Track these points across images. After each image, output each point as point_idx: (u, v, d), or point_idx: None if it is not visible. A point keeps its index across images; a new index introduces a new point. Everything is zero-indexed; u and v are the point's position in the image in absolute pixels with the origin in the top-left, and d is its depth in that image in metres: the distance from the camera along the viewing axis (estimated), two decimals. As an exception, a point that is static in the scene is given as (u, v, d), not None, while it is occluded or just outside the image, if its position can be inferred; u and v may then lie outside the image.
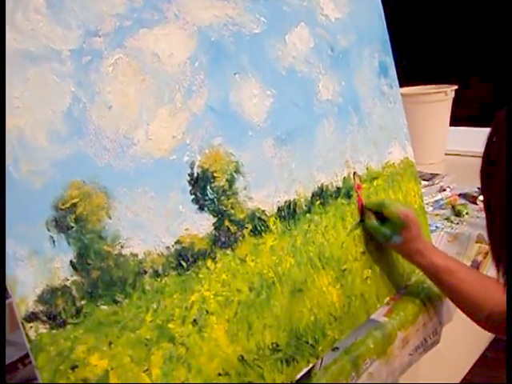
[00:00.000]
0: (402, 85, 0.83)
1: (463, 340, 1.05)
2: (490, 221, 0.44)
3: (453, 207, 1.06)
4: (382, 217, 0.67)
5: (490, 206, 0.44)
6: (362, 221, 0.68)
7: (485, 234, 0.88)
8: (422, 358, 0.78)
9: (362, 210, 0.68)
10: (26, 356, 0.61)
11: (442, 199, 1.11)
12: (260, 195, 0.54)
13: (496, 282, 0.62)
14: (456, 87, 1.41)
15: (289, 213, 0.57)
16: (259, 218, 0.54)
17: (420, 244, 0.65)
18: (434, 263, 0.64)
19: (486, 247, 0.86)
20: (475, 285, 0.63)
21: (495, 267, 0.44)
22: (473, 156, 1.53)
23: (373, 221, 0.67)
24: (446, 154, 1.55)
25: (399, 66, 0.82)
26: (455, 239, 0.89)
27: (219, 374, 0.48)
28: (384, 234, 0.66)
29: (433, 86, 1.48)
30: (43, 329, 0.37)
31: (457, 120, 1.68)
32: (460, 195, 1.14)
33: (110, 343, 0.40)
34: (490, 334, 1.18)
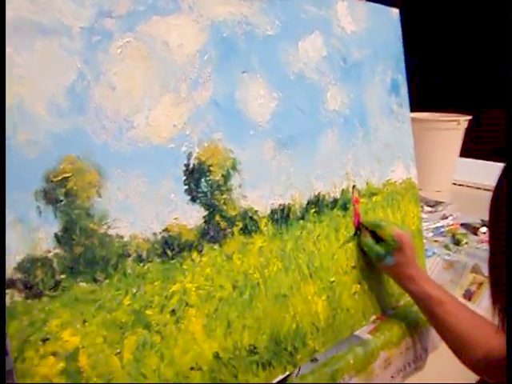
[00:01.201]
0: (419, 109, 0.83)
1: (448, 375, 1.03)
2: (491, 257, 0.43)
3: (453, 235, 1.05)
4: (378, 236, 0.67)
5: (493, 234, 0.43)
6: (356, 235, 0.68)
7: (481, 265, 0.86)
8: None
9: (358, 225, 0.68)
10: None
11: (443, 226, 1.10)
12: (254, 195, 0.54)
13: (488, 323, 0.61)
14: (470, 117, 1.40)
15: (282, 216, 0.57)
16: (251, 218, 0.54)
17: (413, 270, 0.64)
18: (425, 292, 0.63)
19: (480, 278, 0.84)
20: (464, 321, 0.61)
21: (492, 305, 0.43)
22: (481, 189, 1.52)
23: (368, 238, 0.67)
24: (453, 184, 1.54)
25: (419, 90, 0.82)
26: (451, 266, 0.87)
27: (192, 368, 0.47)
28: (377, 254, 0.65)
29: (446, 113, 1.47)
30: (18, 297, 0.37)
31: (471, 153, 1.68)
32: (462, 225, 1.13)
33: (85, 321, 0.40)
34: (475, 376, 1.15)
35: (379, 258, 0.66)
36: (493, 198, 0.42)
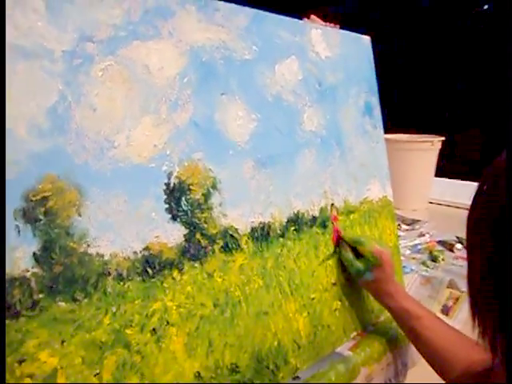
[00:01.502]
0: (394, 131, 0.87)
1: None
2: (470, 270, 0.44)
3: (430, 252, 1.07)
4: (358, 252, 0.68)
5: (471, 251, 0.44)
6: (335, 252, 0.69)
7: (457, 280, 0.89)
8: None
9: (337, 242, 0.69)
10: None
11: (420, 244, 1.13)
12: (235, 213, 0.55)
13: (466, 338, 0.62)
14: (443, 138, 1.46)
15: (262, 234, 0.58)
16: (231, 236, 0.55)
17: (391, 286, 0.66)
18: (403, 307, 0.64)
19: (456, 293, 0.86)
20: (441, 335, 0.62)
21: (471, 317, 0.44)
22: (456, 207, 1.56)
23: (349, 254, 0.68)
24: (430, 202, 1.58)
25: (391, 113, 0.85)
26: (428, 282, 0.89)
27: (172, 388, 0.47)
28: (357, 269, 0.67)
29: (420, 135, 1.53)
30: (-5, 317, 0.36)
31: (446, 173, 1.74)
32: (438, 242, 1.16)
33: (63, 341, 0.40)
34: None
35: (359, 274, 0.67)
36: (469, 217, 0.43)
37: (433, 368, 0.64)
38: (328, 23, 0.77)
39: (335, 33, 0.76)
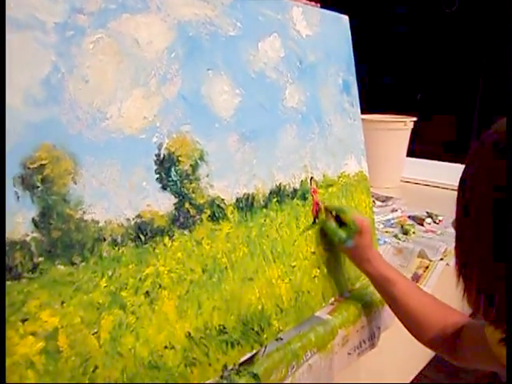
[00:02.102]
0: (368, 111, 0.90)
1: (401, 356, 1.11)
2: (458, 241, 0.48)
3: (402, 226, 1.13)
4: (339, 221, 0.72)
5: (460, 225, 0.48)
6: (314, 223, 0.73)
7: (427, 251, 0.94)
8: (360, 370, 0.82)
9: (316, 213, 0.73)
10: None
11: (392, 218, 1.19)
12: (221, 184, 0.58)
13: (440, 302, 0.67)
14: (415, 119, 1.51)
15: (246, 205, 0.61)
16: (218, 206, 0.57)
17: (370, 253, 0.70)
18: (379, 272, 0.69)
19: (426, 262, 0.93)
20: (415, 299, 0.68)
21: (457, 278, 0.48)
22: (426, 185, 1.64)
23: (332, 222, 0.72)
24: (401, 181, 1.65)
25: (367, 93, 0.89)
26: (400, 252, 0.95)
27: (165, 347, 0.49)
28: (340, 237, 0.71)
29: (394, 115, 1.58)
30: (-2, 279, 0.38)
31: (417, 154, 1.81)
32: (409, 217, 1.22)
33: (63, 302, 0.42)
34: (428, 354, 1.24)
35: (341, 241, 0.71)
36: (457, 211, 0.47)
37: (409, 331, 0.69)
38: (308, 1, 0.79)
39: (315, 11, 0.78)
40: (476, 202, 0.44)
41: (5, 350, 0.37)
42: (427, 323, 0.67)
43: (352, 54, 0.86)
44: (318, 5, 0.81)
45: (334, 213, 0.73)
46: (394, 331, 0.82)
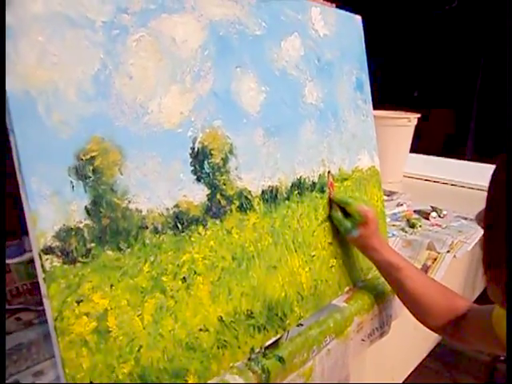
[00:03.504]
0: (374, 108, 0.93)
1: (406, 345, 1.15)
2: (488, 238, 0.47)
3: (408, 220, 1.17)
4: (346, 211, 0.75)
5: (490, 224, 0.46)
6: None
7: (435, 243, 0.98)
8: (368, 357, 0.86)
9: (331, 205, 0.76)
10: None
11: (398, 212, 1.22)
12: (248, 177, 0.61)
13: (446, 288, 0.70)
14: (419, 115, 1.55)
15: (271, 197, 0.64)
16: (246, 197, 0.60)
17: (375, 241, 0.73)
18: (386, 259, 0.72)
19: (434, 254, 0.96)
20: (420, 284, 0.70)
21: (484, 273, 0.48)
22: (427, 180, 1.67)
23: (338, 213, 0.75)
24: (404, 176, 1.69)
25: (374, 92, 0.92)
26: (409, 245, 0.98)
27: (200, 329, 0.52)
28: (345, 227, 0.74)
29: (399, 112, 1.61)
30: (57, 262, 0.41)
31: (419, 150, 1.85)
32: (415, 211, 1.26)
33: (112, 285, 0.45)
34: (429, 343, 1.29)
35: (346, 231, 0.74)
36: (487, 205, 0.46)
37: (414, 315, 0.72)
38: (325, 1, 0.81)
39: (331, 12, 0.81)
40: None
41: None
42: (432, 307, 0.70)
43: (364, 52, 0.89)
44: (334, 5, 0.84)
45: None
46: (397, 323, 0.85)
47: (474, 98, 3.55)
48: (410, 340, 1.11)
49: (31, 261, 0.78)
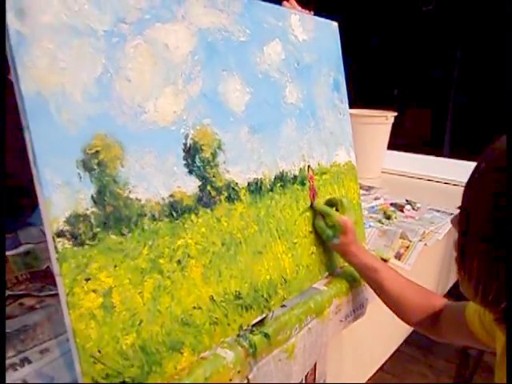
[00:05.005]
0: (351, 106, 1.00)
1: (384, 332, 1.22)
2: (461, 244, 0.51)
3: (384, 212, 1.24)
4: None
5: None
6: (311, 206, 0.82)
7: (408, 233, 1.05)
8: (346, 344, 0.93)
9: (313, 196, 0.83)
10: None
11: (376, 206, 1.30)
12: (235, 170, 0.67)
13: (420, 287, 0.76)
14: (396, 114, 1.63)
15: (256, 188, 0.70)
16: (233, 189, 0.66)
17: (353, 247, 0.80)
18: (364, 263, 0.79)
19: (407, 242, 1.04)
20: (397, 284, 0.77)
21: (458, 269, 0.52)
22: (403, 175, 1.76)
23: (321, 222, 0.81)
24: (382, 172, 1.77)
25: (351, 91, 0.99)
26: (384, 234, 1.06)
27: (194, 307, 0.58)
28: (327, 235, 0.81)
29: (376, 110, 1.70)
30: (68, 245, 0.46)
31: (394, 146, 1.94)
32: (391, 204, 1.34)
33: (115, 266, 0.50)
34: (405, 330, 1.36)
35: (329, 239, 0.81)
36: (462, 211, 0.50)
37: (395, 314, 0.78)
38: (304, 9, 0.88)
39: (309, 19, 0.87)
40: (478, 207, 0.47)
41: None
42: (410, 305, 0.76)
43: (341, 55, 0.96)
44: (312, 12, 0.90)
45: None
46: (374, 311, 0.92)
47: (450, 97, 3.69)
48: (388, 327, 1.18)
49: (28, 252, 0.83)
